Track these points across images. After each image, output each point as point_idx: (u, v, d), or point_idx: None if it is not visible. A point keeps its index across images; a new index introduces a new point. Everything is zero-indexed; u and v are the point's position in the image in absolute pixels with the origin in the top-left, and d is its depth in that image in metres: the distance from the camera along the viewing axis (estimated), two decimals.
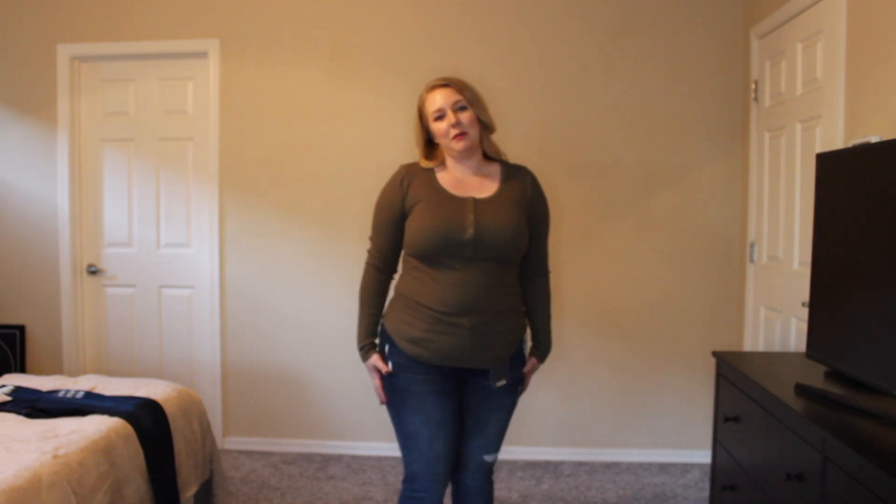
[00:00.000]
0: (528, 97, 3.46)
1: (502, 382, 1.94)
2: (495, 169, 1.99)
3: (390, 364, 1.93)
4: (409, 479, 1.98)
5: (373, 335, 2.00)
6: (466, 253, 1.84)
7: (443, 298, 1.85)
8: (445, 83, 1.91)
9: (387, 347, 1.96)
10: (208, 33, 3.56)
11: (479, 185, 1.94)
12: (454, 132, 1.87)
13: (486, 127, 1.95)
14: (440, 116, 1.90)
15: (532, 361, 2.07)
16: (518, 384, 2.04)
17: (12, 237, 3.72)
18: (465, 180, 1.95)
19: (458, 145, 1.89)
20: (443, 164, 1.98)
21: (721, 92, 3.39)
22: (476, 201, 1.89)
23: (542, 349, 2.10)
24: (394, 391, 1.95)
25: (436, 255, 1.86)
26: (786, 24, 2.87)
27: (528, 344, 2.09)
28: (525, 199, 1.96)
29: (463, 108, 1.89)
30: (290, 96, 3.55)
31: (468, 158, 1.94)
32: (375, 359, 1.96)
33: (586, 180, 3.47)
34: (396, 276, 2.03)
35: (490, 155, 1.99)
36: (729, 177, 3.41)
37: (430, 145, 1.99)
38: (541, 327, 2.09)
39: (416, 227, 1.88)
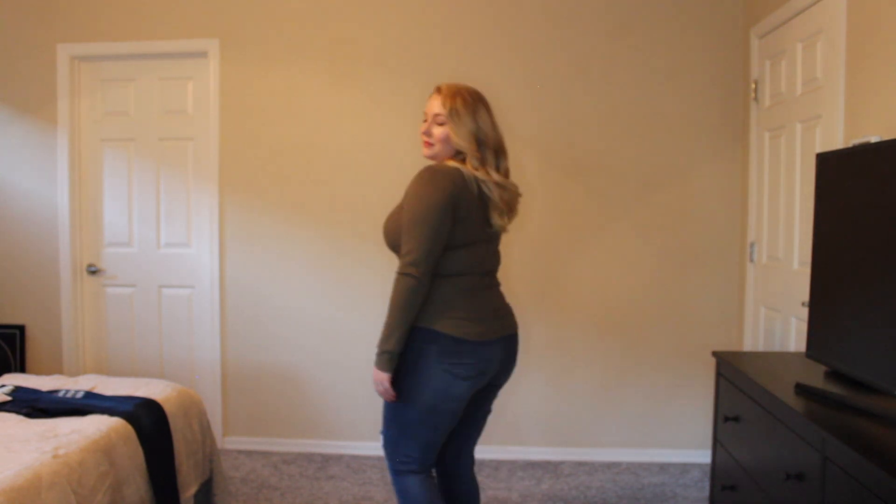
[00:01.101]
0: (527, 97, 3.46)
1: None
2: None
3: None
4: None
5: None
6: None
7: None
8: (437, 90, 1.99)
9: None
10: (208, 33, 3.56)
11: None
12: (423, 138, 1.99)
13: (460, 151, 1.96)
14: (426, 119, 2.00)
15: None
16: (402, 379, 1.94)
17: (12, 237, 3.72)
18: None
19: (424, 150, 2.00)
20: None
21: (721, 92, 3.39)
22: None
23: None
24: None
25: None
26: (786, 24, 2.87)
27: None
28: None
29: (440, 123, 1.95)
30: (290, 96, 3.55)
31: None
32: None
33: (586, 180, 3.47)
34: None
35: None
36: (729, 177, 3.41)
37: None
38: None
39: None
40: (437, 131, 1.95)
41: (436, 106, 1.95)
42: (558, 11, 3.44)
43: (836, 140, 2.39)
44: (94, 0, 3.61)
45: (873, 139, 2.05)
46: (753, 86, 3.21)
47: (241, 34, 3.55)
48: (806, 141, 2.70)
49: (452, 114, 1.93)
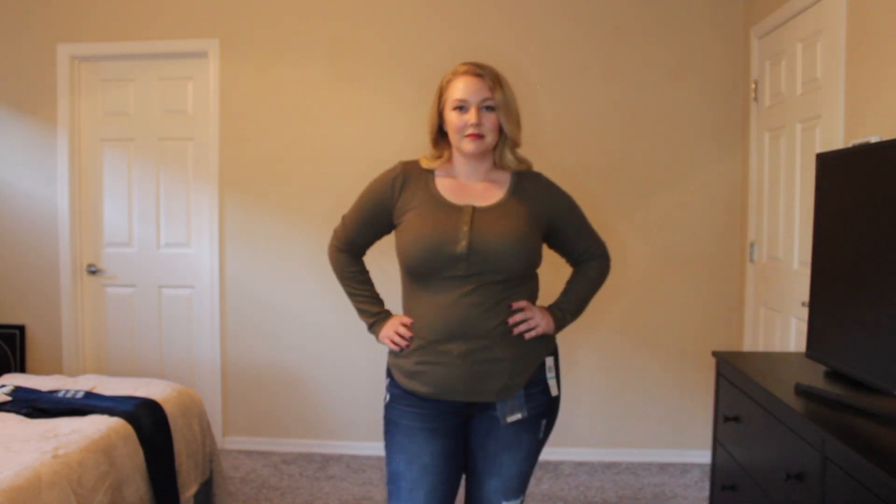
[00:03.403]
0: (527, 97, 3.44)
1: (516, 417, 1.66)
2: (505, 176, 1.73)
3: (388, 396, 1.75)
4: None
5: (380, 303, 1.82)
6: (460, 270, 1.60)
7: (430, 323, 1.63)
8: (480, 73, 1.65)
9: (387, 380, 1.77)
10: (208, 33, 3.56)
11: (483, 192, 1.69)
12: (470, 131, 1.63)
13: (506, 137, 1.69)
14: (461, 107, 1.64)
15: (527, 304, 1.69)
16: (542, 418, 1.72)
17: (12, 237, 3.72)
18: (468, 185, 1.71)
19: (470, 146, 1.65)
20: (449, 160, 1.74)
21: (721, 92, 3.39)
22: (475, 210, 1.65)
23: (554, 308, 1.80)
24: (386, 422, 1.77)
25: (427, 273, 1.63)
26: (786, 24, 2.87)
27: (553, 372, 1.81)
28: (541, 208, 1.71)
29: (490, 109, 1.65)
30: (290, 96, 3.55)
31: (478, 161, 1.71)
32: (388, 327, 1.73)
33: (586, 180, 3.46)
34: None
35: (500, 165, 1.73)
36: (729, 177, 3.41)
37: (440, 132, 1.75)
38: (566, 290, 1.87)
39: (406, 241, 1.65)
40: (489, 119, 1.64)
41: (480, 90, 1.63)
42: (557, 12, 3.44)
43: (836, 140, 2.39)
44: (94, 0, 3.61)
45: (873, 139, 2.05)
46: (753, 86, 3.21)
47: (241, 34, 3.55)
48: (806, 141, 2.70)
49: (506, 99, 1.67)
